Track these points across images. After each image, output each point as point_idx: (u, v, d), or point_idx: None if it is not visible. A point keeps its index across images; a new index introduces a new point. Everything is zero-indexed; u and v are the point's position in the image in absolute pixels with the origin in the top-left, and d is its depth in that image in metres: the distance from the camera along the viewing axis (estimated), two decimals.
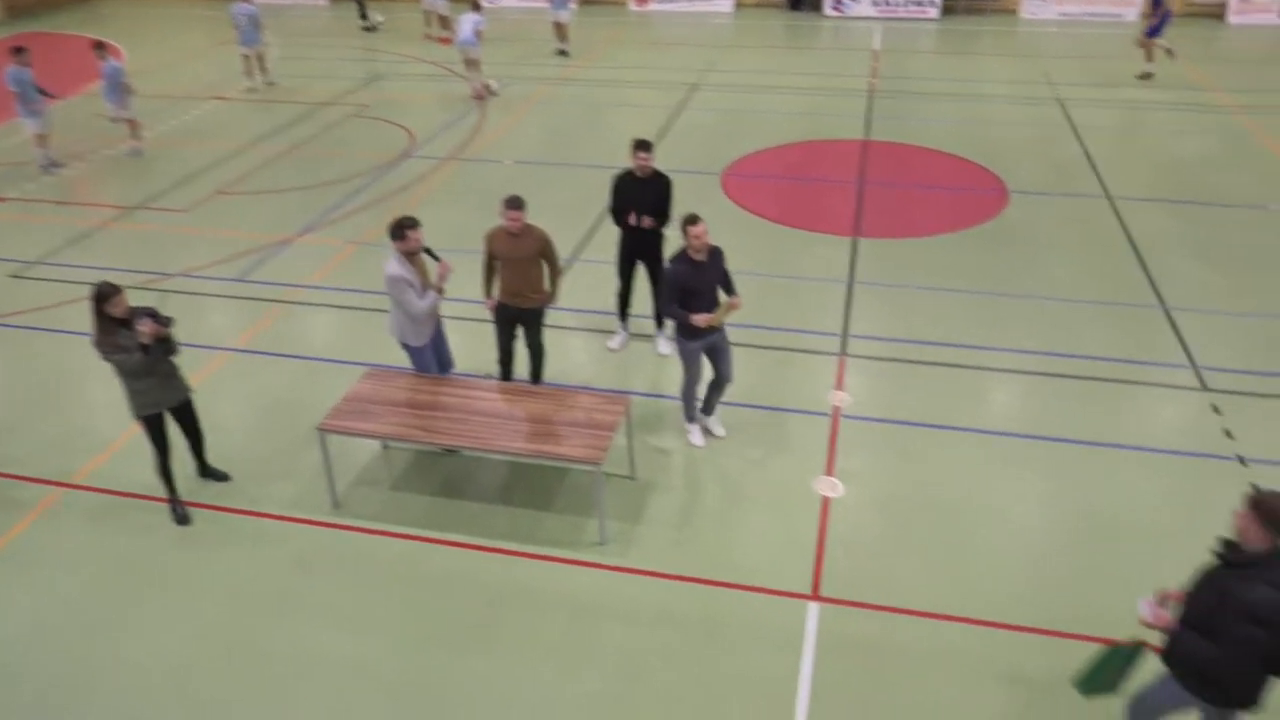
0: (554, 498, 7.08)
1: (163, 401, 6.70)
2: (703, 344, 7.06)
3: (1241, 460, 7.37)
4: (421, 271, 7.07)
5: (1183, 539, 6.59)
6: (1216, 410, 7.93)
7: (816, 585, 6.26)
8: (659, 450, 7.56)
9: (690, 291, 6.83)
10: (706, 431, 7.62)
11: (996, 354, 8.77)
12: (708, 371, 7.44)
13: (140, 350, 6.32)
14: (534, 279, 7.51)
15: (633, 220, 8.26)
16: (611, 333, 9.18)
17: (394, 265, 6.89)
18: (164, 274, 10.56)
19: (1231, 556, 4.06)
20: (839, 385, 8.33)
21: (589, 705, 5.47)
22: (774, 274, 10.21)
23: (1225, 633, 3.96)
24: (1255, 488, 4.23)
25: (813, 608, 6.08)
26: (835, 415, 7.96)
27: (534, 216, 8.11)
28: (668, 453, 7.54)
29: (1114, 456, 7.39)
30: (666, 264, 6.71)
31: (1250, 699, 4.21)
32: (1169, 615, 4.24)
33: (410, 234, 6.86)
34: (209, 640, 5.94)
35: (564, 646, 5.85)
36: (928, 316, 9.41)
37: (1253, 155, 13.58)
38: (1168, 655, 4.34)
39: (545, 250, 7.49)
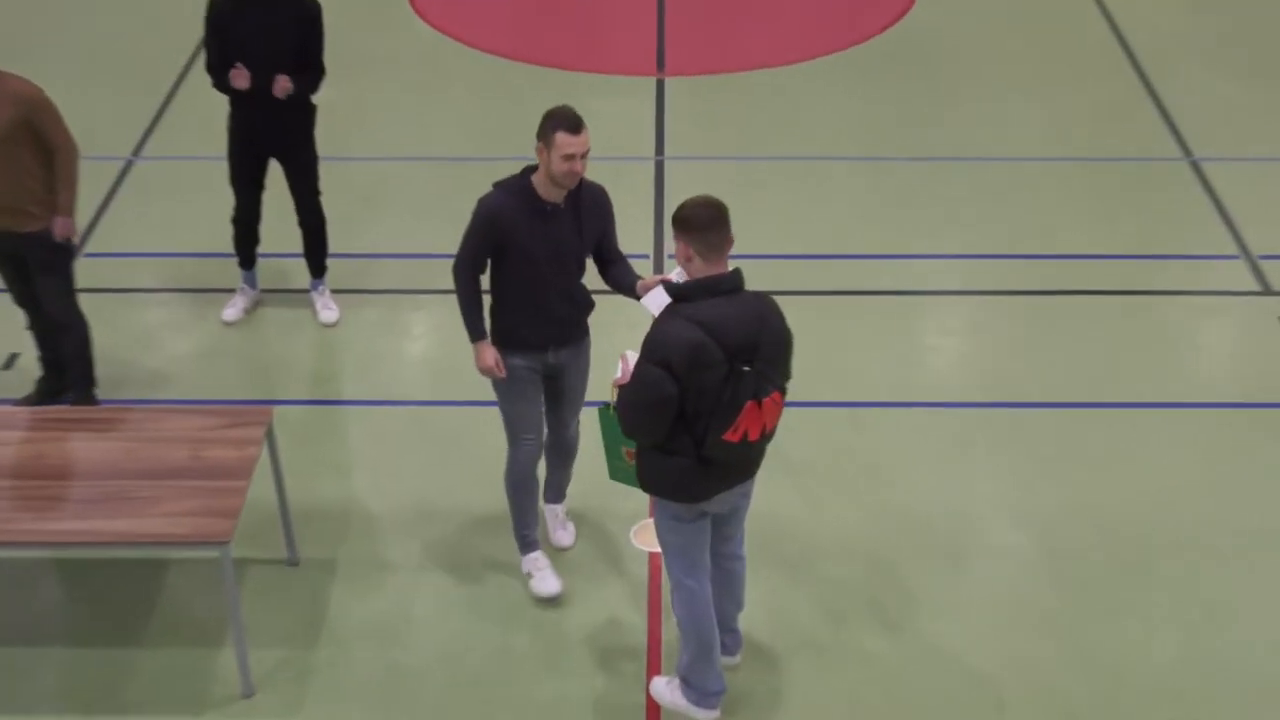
0: (146, 620, 4.51)
1: None
2: (538, 361, 4.11)
3: None
4: None
5: None
6: None
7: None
8: (340, 499, 4.87)
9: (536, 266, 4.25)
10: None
11: (924, 264, 6.20)
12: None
13: None
14: (23, 181, 4.81)
15: (240, 83, 5.36)
16: (228, 292, 6.02)
17: None
18: None
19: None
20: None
21: None
22: (525, 156, 6.38)
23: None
24: None
25: None
26: None
27: (33, 70, 5.12)
28: (358, 501, 4.90)
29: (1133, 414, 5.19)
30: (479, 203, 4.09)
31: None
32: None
33: None
34: None
35: None
36: (799, 211, 6.61)
37: None
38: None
39: (34, 120, 4.78)
